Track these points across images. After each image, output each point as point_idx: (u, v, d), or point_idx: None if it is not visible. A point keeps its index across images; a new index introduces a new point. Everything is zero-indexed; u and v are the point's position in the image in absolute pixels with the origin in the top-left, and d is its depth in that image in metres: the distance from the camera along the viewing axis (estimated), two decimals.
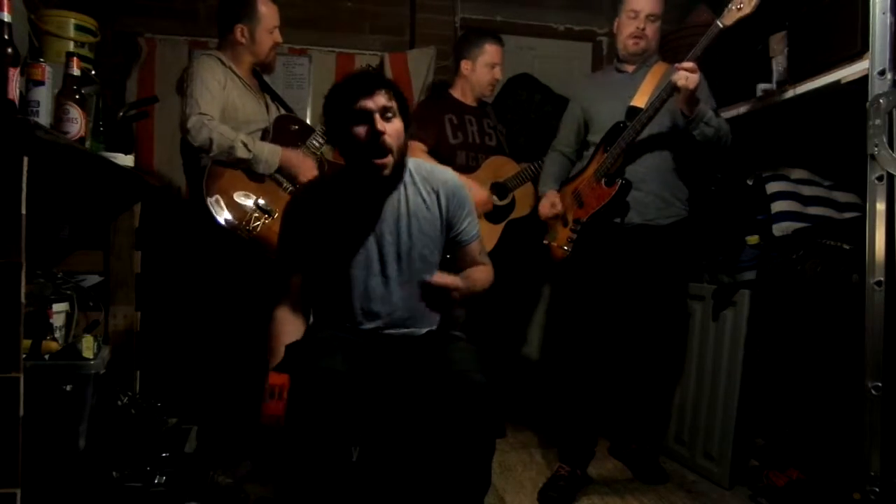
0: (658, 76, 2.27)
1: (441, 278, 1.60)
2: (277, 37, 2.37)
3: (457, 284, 1.61)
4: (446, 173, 1.80)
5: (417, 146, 2.57)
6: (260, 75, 2.47)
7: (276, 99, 2.53)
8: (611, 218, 2.26)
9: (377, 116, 1.57)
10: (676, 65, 2.06)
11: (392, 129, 1.59)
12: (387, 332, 1.71)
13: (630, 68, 2.40)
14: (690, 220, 2.36)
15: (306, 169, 2.30)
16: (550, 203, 2.41)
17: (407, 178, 1.73)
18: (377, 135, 1.57)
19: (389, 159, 1.61)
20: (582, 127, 2.47)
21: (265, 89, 2.49)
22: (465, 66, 2.77)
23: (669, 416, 2.59)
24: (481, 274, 1.79)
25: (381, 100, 1.57)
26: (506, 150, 2.86)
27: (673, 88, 2.06)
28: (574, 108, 2.52)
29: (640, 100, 2.24)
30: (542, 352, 3.16)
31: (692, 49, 2.07)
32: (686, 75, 2.01)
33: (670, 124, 2.26)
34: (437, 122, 2.69)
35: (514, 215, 2.76)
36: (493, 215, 2.73)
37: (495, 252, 2.68)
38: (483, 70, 2.73)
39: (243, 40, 2.32)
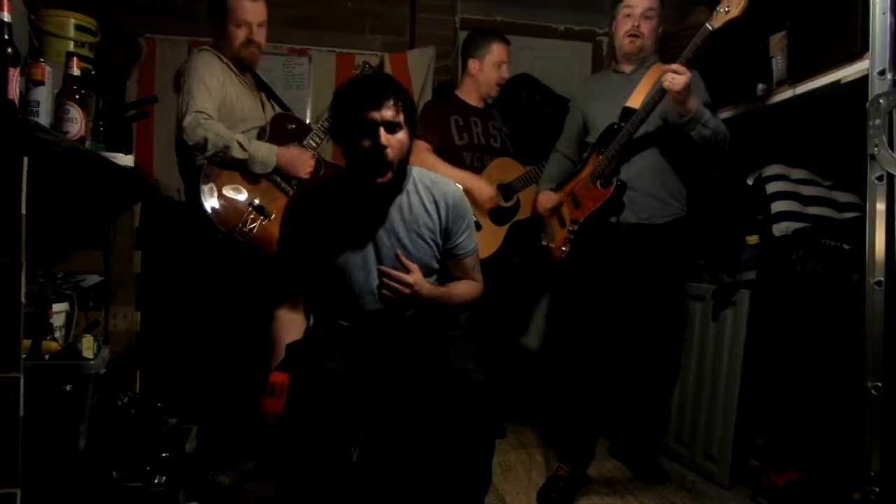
0: (654, 77, 2.25)
1: (399, 273, 1.60)
2: (251, 33, 2.27)
3: (413, 285, 1.61)
4: (449, 185, 1.80)
5: (423, 146, 2.57)
6: (256, 74, 2.46)
7: (272, 97, 2.52)
8: (607, 218, 2.27)
9: (382, 130, 1.57)
10: (664, 66, 2.06)
11: (396, 141, 1.60)
12: (386, 332, 1.71)
13: (628, 69, 2.39)
14: (688, 219, 2.36)
15: (303, 164, 2.26)
16: (544, 199, 2.48)
17: (410, 185, 1.73)
18: (380, 148, 1.57)
19: (389, 176, 1.62)
20: (581, 129, 2.48)
21: (261, 87, 2.48)
22: (472, 65, 2.78)
23: (668, 415, 2.59)
24: (465, 287, 1.79)
25: (388, 113, 1.57)
26: (510, 151, 2.86)
27: (663, 90, 2.06)
28: (574, 110, 2.55)
29: (636, 100, 2.23)
30: (543, 344, 3.15)
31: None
32: (672, 77, 2.00)
33: (665, 125, 2.25)
34: (443, 123, 2.69)
35: (518, 217, 2.76)
36: (497, 217, 2.72)
37: (499, 254, 2.69)
38: (490, 69, 2.74)
39: (216, 34, 2.29)
